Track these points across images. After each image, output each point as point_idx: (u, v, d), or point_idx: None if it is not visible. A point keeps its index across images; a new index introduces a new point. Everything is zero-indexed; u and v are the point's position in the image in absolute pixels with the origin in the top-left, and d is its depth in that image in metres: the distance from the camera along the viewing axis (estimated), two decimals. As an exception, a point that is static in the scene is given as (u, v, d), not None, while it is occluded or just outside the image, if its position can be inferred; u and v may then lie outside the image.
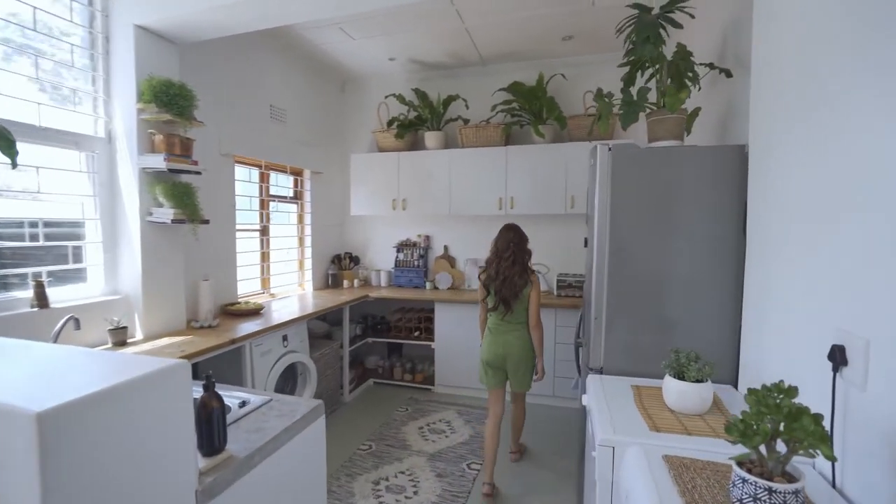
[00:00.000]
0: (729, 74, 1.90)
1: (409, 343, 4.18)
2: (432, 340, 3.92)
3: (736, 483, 0.97)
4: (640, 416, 1.51)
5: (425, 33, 3.41)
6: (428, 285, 4.28)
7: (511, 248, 2.48)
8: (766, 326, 1.56)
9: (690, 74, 2.04)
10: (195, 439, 1.01)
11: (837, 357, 1.10)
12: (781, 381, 0.98)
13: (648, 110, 2.07)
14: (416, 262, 4.40)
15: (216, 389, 1.14)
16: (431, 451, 2.88)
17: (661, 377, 1.82)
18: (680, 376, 1.55)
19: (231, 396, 1.50)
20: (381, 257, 4.60)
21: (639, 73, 2.19)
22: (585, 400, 1.89)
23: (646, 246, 1.94)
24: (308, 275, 4.16)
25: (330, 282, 4.35)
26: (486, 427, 2.51)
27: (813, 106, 1.26)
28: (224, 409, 1.15)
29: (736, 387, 1.79)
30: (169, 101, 2.26)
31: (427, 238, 4.43)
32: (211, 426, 1.11)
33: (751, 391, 1.01)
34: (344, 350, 3.67)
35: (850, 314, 1.09)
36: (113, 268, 2.39)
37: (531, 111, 3.72)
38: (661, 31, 1.86)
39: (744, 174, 1.79)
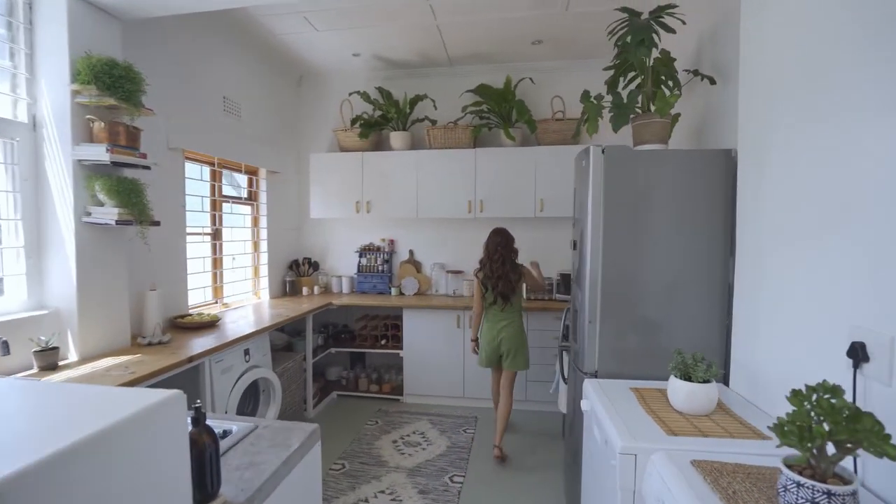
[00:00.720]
0: (712, 81, 1.96)
1: (374, 352, 3.98)
2: (400, 348, 3.76)
3: (789, 488, 0.94)
4: (651, 421, 1.49)
5: (395, 29, 3.27)
6: (393, 291, 4.12)
7: (499, 250, 2.78)
8: (761, 326, 1.60)
9: (671, 83, 2.10)
10: (191, 491, 0.82)
11: (859, 354, 1.13)
12: (825, 381, 0.98)
13: (632, 114, 2.10)
14: (380, 267, 4.21)
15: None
16: (410, 465, 2.73)
17: (657, 378, 1.83)
18: (686, 377, 1.55)
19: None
20: (342, 262, 4.36)
21: (620, 78, 2.22)
22: (585, 405, 1.85)
23: (638, 248, 1.94)
24: (264, 282, 3.83)
25: (288, 289, 4.04)
26: (492, 389, 3.09)
27: (815, 106, 1.30)
28: (217, 445, 0.95)
29: (727, 384, 1.83)
30: (113, 83, 1.95)
31: (392, 242, 4.26)
32: (203, 468, 0.92)
33: (795, 392, 0.99)
34: (307, 362, 3.41)
35: (870, 312, 1.12)
36: (38, 278, 2.02)
37: (500, 114, 3.71)
38: (654, 35, 1.89)
39: (729, 178, 1.85)
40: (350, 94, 3.92)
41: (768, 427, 1.02)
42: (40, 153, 2.00)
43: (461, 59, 3.83)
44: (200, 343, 2.33)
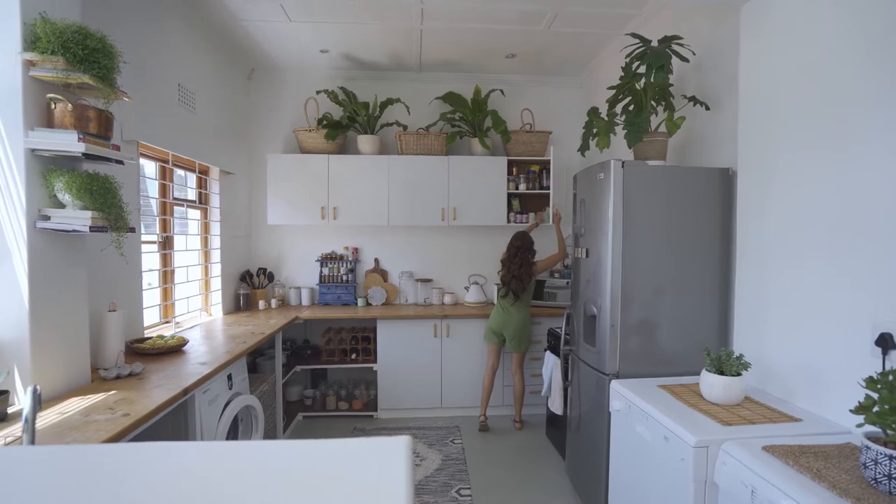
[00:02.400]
0: (707, 108, 2.21)
1: (342, 368, 3.74)
2: (372, 362, 3.59)
3: (880, 461, 1.09)
4: (699, 414, 1.61)
5: (376, 28, 3.14)
6: (360, 302, 3.92)
7: (519, 254, 3.21)
8: (769, 324, 1.82)
9: (662, 104, 2.32)
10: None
11: (888, 342, 1.36)
12: (894, 369, 1.16)
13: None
14: (344, 277, 3.98)
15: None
16: (411, 484, 2.61)
17: (669, 375, 2.02)
18: (719, 372, 1.72)
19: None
20: (300, 273, 4.03)
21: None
22: (617, 405, 1.95)
23: (650, 256, 2.11)
24: (216, 296, 3.39)
25: (242, 304, 3.63)
26: (485, 376, 3.40)
27: (825, 124, 1.52)
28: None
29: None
30: (87, 56, 1.59)
31: (355, 250, 4.06)
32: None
33: (871, 379, 1.16)
34: (277, 383, 3.09)
35: (891, 306, 1.35)
36: (-30, 300, 1.56)
37: (472, 123, 3.75)
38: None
39: (727, 192, 2.10)
40: (318, 93, 3.66)
41: (850, 410, 1.18)
42: (-24, 139, 1.55)
43: (432, 65, 3.81)
44: (179, 371, 1.98)
